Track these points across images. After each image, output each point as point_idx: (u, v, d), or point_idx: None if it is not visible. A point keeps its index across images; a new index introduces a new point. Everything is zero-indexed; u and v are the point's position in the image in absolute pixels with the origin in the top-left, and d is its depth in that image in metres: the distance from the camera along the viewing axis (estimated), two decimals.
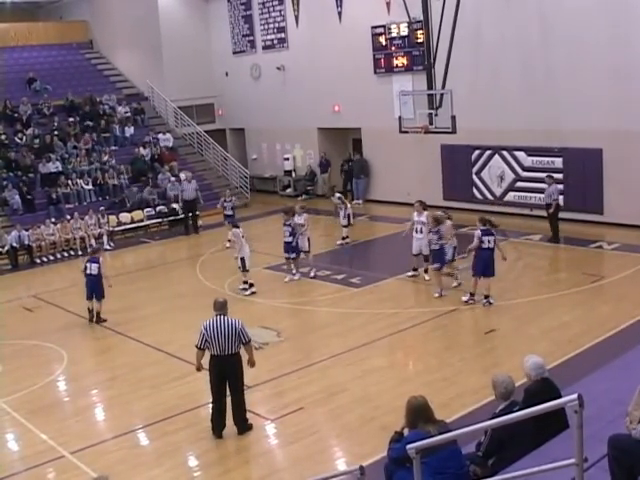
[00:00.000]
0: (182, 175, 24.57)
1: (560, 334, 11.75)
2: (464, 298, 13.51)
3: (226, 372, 9.28)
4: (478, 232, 13.31)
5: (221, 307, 9.43)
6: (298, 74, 26.02)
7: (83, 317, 14.91)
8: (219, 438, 9.34)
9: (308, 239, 16.47)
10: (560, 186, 18.71)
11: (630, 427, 5.10)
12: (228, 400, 9.44)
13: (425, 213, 15.19)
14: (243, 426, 9.42)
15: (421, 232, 15.14)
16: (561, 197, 18.98)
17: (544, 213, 18.99)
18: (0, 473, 8.82)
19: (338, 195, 19.95)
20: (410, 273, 15.63)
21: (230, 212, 21.08)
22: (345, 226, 19.30)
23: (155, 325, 14.21)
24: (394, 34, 22.48)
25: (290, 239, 16.05)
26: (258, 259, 17.94)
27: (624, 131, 17.67)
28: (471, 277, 13.75)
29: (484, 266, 13.26)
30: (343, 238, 19.20)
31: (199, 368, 9.55)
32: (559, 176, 19.05)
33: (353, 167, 24.90)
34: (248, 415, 9.80)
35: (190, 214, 22.88)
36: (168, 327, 13.92)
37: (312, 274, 16.31)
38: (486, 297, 13.36)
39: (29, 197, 22.41)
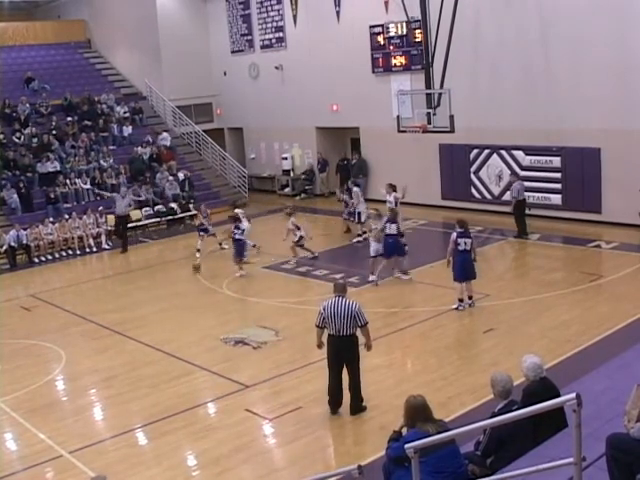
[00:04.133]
0: (181, 174, 24.61)
1: (559, 333, 11.75)
2: (453, 306, 13.19)
3: (342, 353, 9.50)
4: (453, 235, 13.18)
5: (341, 289, 9.66)
6: (296, 73, 26.01)
7: (81, 316, 14.94)
8: (334, 414, 9.58)
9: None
10: (557, 185, 18.76)
11: (628, 426, 5.10)
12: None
13: (393, 194, 17.57)
14: (357, 407, 9.61)
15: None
16: (559, 196, 19.08)
17: (542, 212, 19.08)
18: None
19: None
20: None
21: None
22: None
23: (154, 324, 14.19)
24: (392, 33, 22.44)
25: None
26: (256, 259, 17.92)
27: (622, 130, 17.67)
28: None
29: (463, 270, 13.09)
30: (359, 234, 19.00)
31: (319, 345, 9.78)
32: (557, 175, 19.09)
33: (351, 167, 24.86)
34: (247, 414, 9.81)
35: (122, 229, 21.11)
36: (167, 326, 13.92)
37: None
38: (470, 298, 13.27)
39: (27, 196, 22.37)
